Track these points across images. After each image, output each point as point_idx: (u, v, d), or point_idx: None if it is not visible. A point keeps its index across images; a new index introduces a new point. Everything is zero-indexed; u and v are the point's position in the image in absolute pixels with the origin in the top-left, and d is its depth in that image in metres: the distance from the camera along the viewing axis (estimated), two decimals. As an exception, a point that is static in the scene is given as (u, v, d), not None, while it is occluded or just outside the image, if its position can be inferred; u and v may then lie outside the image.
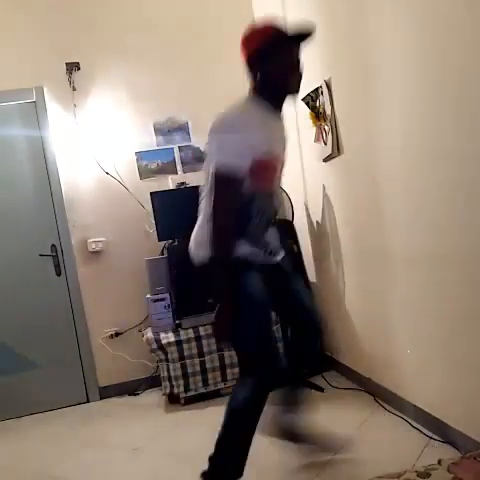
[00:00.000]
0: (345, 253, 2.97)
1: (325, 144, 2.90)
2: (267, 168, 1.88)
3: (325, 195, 3.10)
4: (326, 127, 2.86)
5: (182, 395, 3.14)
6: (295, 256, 3.40)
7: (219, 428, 1.98)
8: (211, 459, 1.94)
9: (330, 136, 2.82)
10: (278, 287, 2.07)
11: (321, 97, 2.84)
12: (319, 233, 3.31)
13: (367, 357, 2.87)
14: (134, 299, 3.54)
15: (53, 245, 3.52)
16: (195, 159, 3.67)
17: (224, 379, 3.17)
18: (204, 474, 1.95)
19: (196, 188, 3.52)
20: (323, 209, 3.17)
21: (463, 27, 1.74)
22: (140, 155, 3.64)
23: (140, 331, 3.47)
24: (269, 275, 1.98)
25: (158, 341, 3.17)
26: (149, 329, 3.34)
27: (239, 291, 1.82)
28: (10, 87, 3.39)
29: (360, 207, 2.70)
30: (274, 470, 2.23)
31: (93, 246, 3.56)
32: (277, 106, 1.93)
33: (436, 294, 2.12)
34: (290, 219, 3.34)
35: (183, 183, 3.55)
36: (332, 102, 2.75)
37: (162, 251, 3.50)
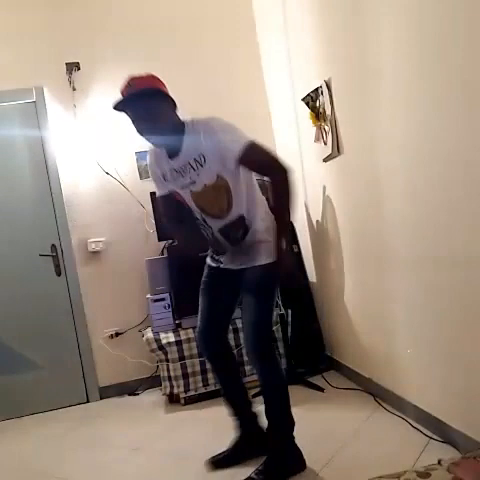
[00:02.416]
0: (345, 253, 2.97)
1: (325, 144, 2.90)
2: (177, 195, 2.21)
3: (325, 195, 3.10)
4: (326, 127, 2.86)
5: (182, 395, 3.14)
6: (295, 256, 3.41)
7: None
8: None
9: (330, 136, 2.82)
10: (219, 290, 2.30)
11: (321, 97, 2.84)
12: (319, 233, 3.31)
13: (367, 357, 2.87)
14: (134, 299, 3.54)
15: (53, 245, 3.52)
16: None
17: (224, 379, 3.17)
18: None
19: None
20: (323, 209, 3.17)
21: (463, 26, 1.74)
22: (140, 155, 3.63)
23: (140, 331, 3.47)
24: (218, 275, 2.28)
25: (158, 341, 3.17)
26: (149, 329, 3.33)
27: None
28: (10, 87, 3.39)
29: (360, 207, 2.70)
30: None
31: (93, 246, 3.55)
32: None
33: (437, 294, 2.12)
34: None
35: (183, 183, 3.54)
36: (332, 102, 2.75)
37: (162, 251, 3.50)
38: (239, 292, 2.23)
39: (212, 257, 2.31)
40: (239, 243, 2.16)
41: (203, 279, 2.35)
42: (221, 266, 2.26)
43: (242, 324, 2.23)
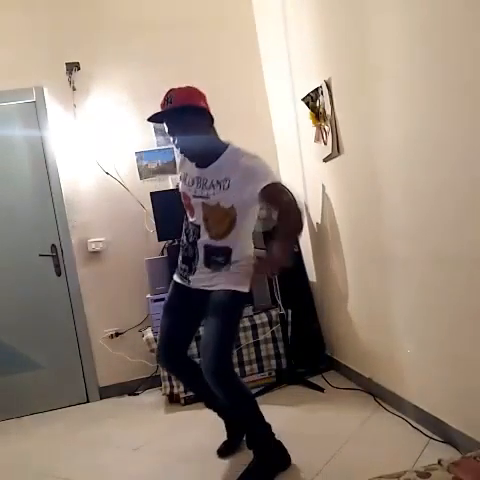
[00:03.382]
0: (345, 253, 2.97)
1: (325, 144, 2.90)
2: (184, 198, 2.28)
3: (325, 195, 3.10)
4: (326, 127, 2.86)
5: (182, 395, 3.14)
6: (295, 256, 3.40)
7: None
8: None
9: (330, 136, 2.82)
10: (187, 308, 2.29)
11: (321, 97, 2.84)
12: (319, 233, 3.31)
13: (367, 357, 2.87)
14: (134, 299, 3.53)
15: (53, 245, 3.52)
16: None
17: (224, 379, 3.16)
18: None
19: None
20: (323, 209, 3.17)
21: (464, 26, 1.74)
22: (140, 155, 3.64)
23: (140, 331, 3.47)
24: (184, 294, 2.28)
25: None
26: (149, 329, 3.33)
27: None
28: (10, 87, 3.39)
29: (360, 207, 2.70)
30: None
31: (93, 246, 3.55)
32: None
33: (437, 294, 2.12)
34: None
35: (183, 183, 3.54)
36: (332, 102, 2.75)
37: (162, 251, 3.50)
38: (203, 312, 2.21)
39: (180, 274, 2.30)
40: (212, 267, 2.18)
41: (168, 296, 2.37)
42: (188, 285, 2.26)
43: (201, 345, 2.20)
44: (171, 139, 2.12)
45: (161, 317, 2.37)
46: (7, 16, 3.44)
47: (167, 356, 2.37)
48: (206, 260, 2.19)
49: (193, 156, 2.15)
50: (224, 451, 2.43)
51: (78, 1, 3.54)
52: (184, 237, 2.29)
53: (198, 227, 2.20)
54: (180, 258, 2.31)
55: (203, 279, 2.21)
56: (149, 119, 2.09)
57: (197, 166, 2.17)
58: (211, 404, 2.43)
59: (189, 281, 2.25)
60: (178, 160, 2.33)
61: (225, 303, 2.14)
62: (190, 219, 2.26)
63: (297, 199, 2.01)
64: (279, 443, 2.24)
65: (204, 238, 2.18)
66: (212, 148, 2.11)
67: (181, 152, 2.15)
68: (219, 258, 2.17)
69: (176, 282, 2.34)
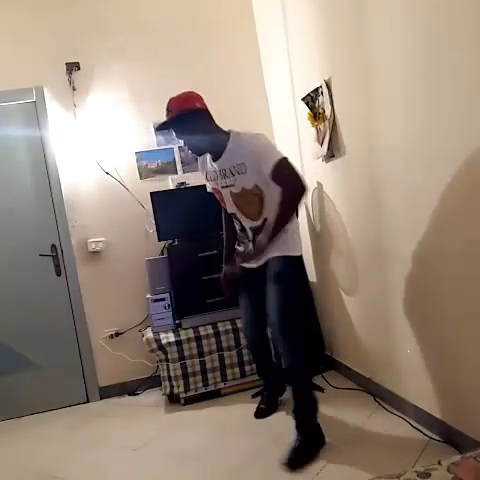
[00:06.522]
0: (345, 253, 2.97)
1: (325, 144, 2.90)
2: (216, 193, 2.54)
3: (325, 195, 3.10)
4: (321, 127, 2.86)
5: (182, 395, 3.14)
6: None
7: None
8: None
9: (329, 136, 2.82)
10: (255, 286, 2.49)
11: (321, 97, 2.84)
12: (319, 233, 3.31)
13: (367, 357, 2.87)
14: (134, 299, 3.54)
15: (53, 245, 3.52)
16: (195, 159, 3.66)
17: (224, 379, 3.17)
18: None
19: (196, 188, 3.54)
20: (323, 209, 3.17)
21: (463, 26, 1.74)
22: (140, 155, 3.64)
23: (140, 331, 3.47)
24: (250, 275, 2.53)
25: (158, 341, 3.17)
26: (149, 329, 3.34)
27: None
28: (10, 87, 3.39)
29: (360, 207, 2.70)
30: (275, 469, 2.23)
31: (93, 246, 3.55)
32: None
33: (436, 293, 2.12)
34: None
35: (183, 183, 3.55)
36: (332, 102, 2.75)
37: (162, 251, 3.50)
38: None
39: (242, 258, 2.53)
40: (261, 248, 2.36)
41: (240, 278, 2.64)
42: (247, 266, 2.51)
43: (268, 311, 2.40)
44: (182, 142, 2.43)
45: (240, 298, 2.68)
46: (7, 16, 3.44)
47: (253, 333, 2.70)
48: (254, 243, 2.42)
49: (201, 152, 2.45)
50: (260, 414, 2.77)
51: (78, 1, 3.54)
52: (236, 226, 2.55)
53: (235, 215, 2.48)
54: (237, 245, 2.60)
55: (256, 258, 2.43)
56: (157, 129, 2.46)
57: (213, 160, 2.40)
58: (268, 377, 2.87)
59: (250, 261, 2.47)
60: (199, 165, 2.60)
61: (280, 270, 2.36)
62: (227, 211, 2.52)
63: (300, 174, 2.28)
64: (318, 423, 2.38)
65: (246, 222, 2.44)
66: (217, 141, 2.33)
67: (190, 151, 2.44)
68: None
69: (242, 267, 2.57)
